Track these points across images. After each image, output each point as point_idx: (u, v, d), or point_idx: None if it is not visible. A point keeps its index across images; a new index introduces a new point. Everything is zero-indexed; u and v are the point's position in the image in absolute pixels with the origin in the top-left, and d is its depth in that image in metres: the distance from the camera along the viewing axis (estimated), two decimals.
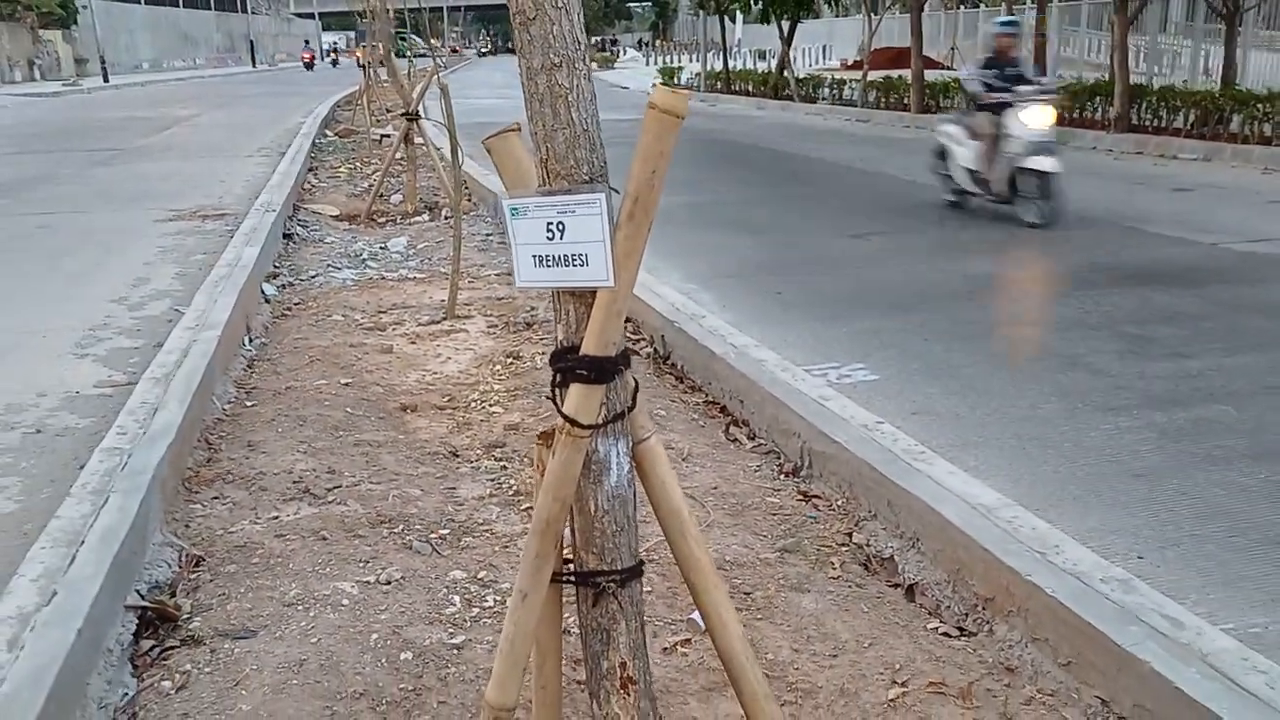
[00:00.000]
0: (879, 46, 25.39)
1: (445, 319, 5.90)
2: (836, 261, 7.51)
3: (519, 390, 4.64)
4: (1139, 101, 14.54)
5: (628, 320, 5.69)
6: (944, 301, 6.26)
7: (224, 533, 3.25)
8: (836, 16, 38.33)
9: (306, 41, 66.14)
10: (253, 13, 72.61)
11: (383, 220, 9.54)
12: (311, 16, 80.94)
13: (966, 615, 2.83)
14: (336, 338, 5.54)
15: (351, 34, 72.25)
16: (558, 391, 1.74)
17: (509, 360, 5.08)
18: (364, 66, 17.25)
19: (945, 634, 2.78)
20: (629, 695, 1.83)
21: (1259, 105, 12.80)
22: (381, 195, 10.09)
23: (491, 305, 6.20)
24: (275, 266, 7.28)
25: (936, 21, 34.06)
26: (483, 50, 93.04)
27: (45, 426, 4.02)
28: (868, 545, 3.26)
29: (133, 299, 5.99)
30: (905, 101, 19.75)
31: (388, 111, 17.44)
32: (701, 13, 31.42)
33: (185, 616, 2.80)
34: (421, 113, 9.67)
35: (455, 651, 2.66)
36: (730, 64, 29.61)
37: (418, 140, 9.87)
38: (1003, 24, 9.50)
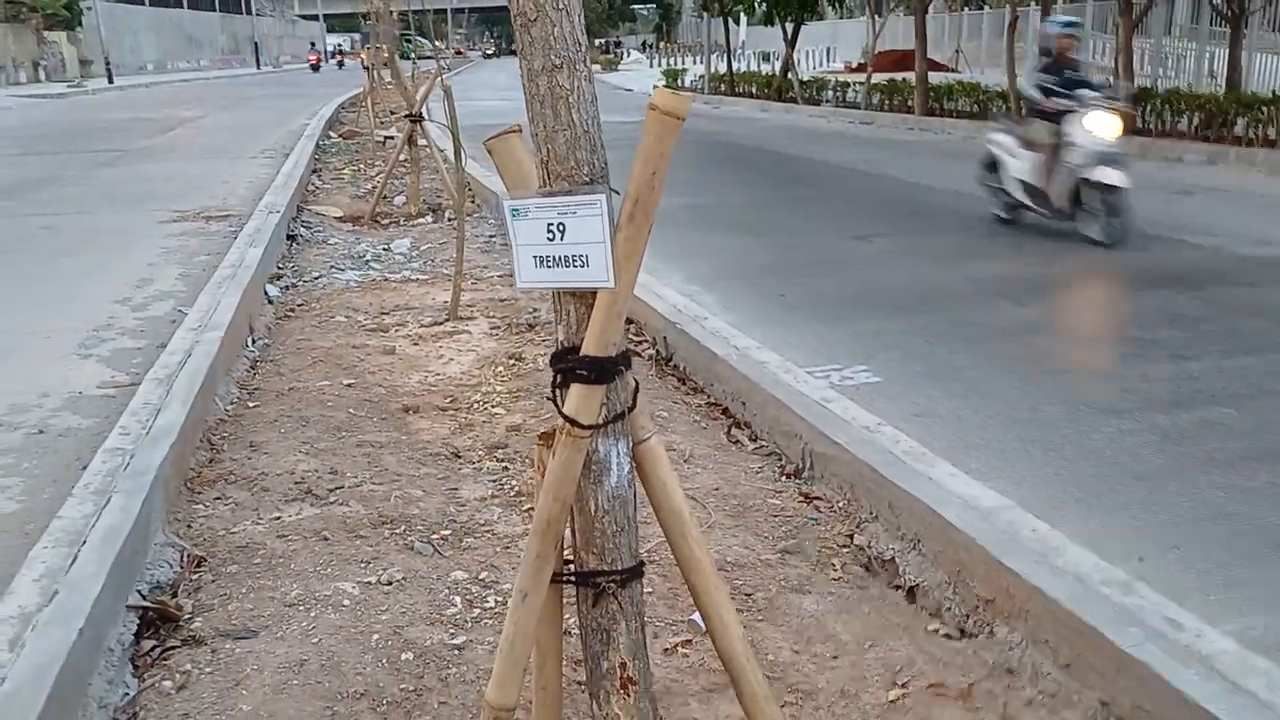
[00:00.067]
0: (883, 49, 25.38)
1: (448, 320, 5.91)
2: (840, 263, 7.51)
3: (521, 391, 4.65)
4: (1143, 104, 14.53)
5: (630, 322, 5.71)
6: (946, 303, 6.26)
7: (226, 533, 3.26)
8: (840, 19, 38.32)
9: (313, 44, 66.38)
10: (257, 15, 72.78)
11: (386, 222, 9.56)
12: (316, 18, 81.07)
13: (967, 617, 2.83)
14: (339, 339, 5.55)
15: (355, 36, 72.35)
16: (558, 392, 1.75)
17: (511, 362, 5.08)
18: (368, 68, 17.29)
19: (946, 635, 2.78)
20: (629, 696, 1.83)
21: (1264, 108, 12.78)
22: (385, 197, 10.11)
23: (494, 307, 6.21)
24: (279, 268, 7.30)
25: (941, 24, 34.08)
26: (488, 52, 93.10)
27: (48, 427, 4.02)
28: (869, 547, 3.26)
29: (136, 300, 6.00)
30: (909, 104, 19.75)
31: (392, 113, 17.48)
32: (705, 15, 31.44)
33: (187, 616, 2.80)
34: (425, 114, 9.68)
35: (456, 652, 2.66)
36: (734, 66, 29.64)
37: (421, 142, 9.89)
38: (1063, 24, 8.62)
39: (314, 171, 12.50)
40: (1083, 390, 4.70)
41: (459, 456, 3.99)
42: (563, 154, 1.64)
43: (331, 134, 17.18)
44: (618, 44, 75.79)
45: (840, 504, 3.52)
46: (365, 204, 10.03)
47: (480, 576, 3.06)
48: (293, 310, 6.27)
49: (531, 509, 1.80)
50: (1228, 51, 15.60)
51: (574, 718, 2.36)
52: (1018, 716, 2.43)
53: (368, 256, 7.90)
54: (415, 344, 5.49)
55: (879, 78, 21.55)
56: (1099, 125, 7.76)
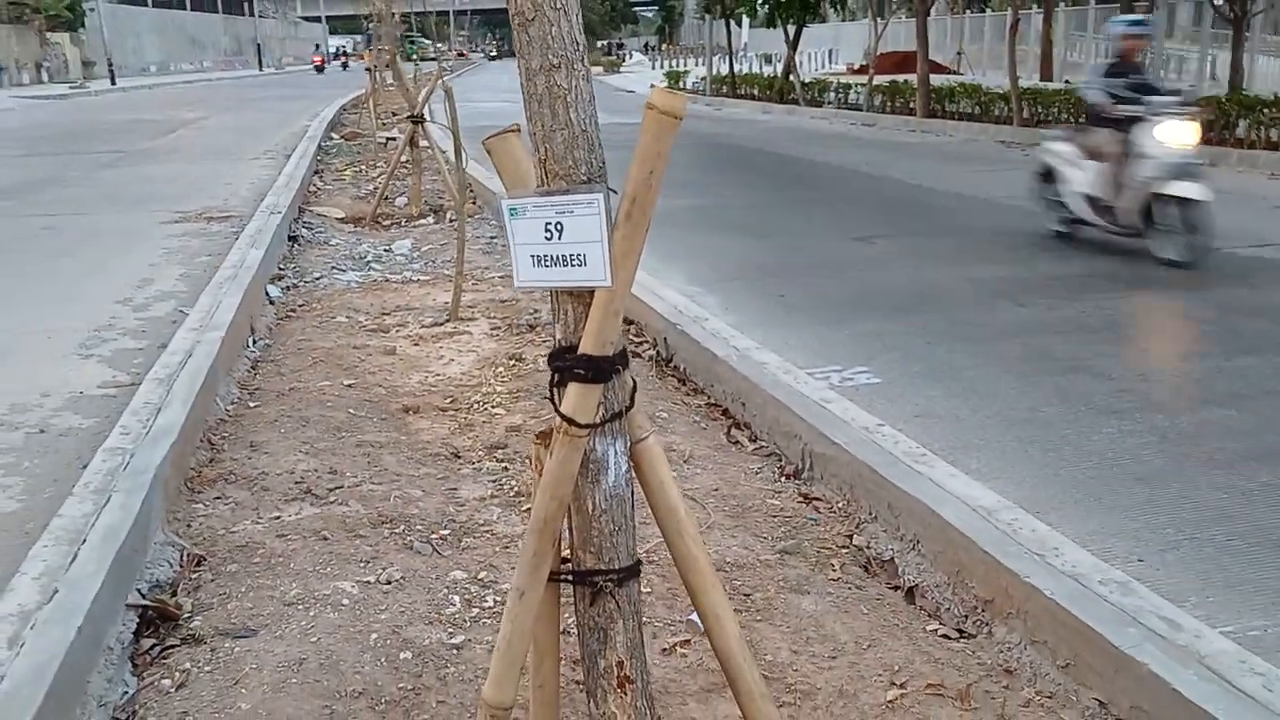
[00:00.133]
0: (885, 51, 25.43)
1: (448, 321, 5.91)
2: (841, 265, 7.52)
3: (521, 392, 4.65)
4: None
5: (631, 322, 5.72)
6: (946, 304, 6.26)
7: (225, 532, 3.26)
8: (842, 21, 38.36)
9: (317, 46, 66.50)
10: (260, 16, 72.86)
11: (387, 223, 9.57)
12: (319, 20, 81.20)
13: (966, 617, 2.83)
14: (340, 339, 5.56)
15: (358, 38, 72.44)
16: (556, 391, 1.75)
17: (511, 362, 5.09)
18: (370, 70, 17.32)
19: (944, 636, 2.78)
20: (625, 694, 1.83)
21: (1265, 110, 12.79)
22: (386, 198, 10.12)
23: (495, 307, 6.21)
24: (280, 268, 7.31)
25: (942, 26, 34.10)
26: (492, 55, 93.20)
27: (49, 426, 4.03)
28: (868, 547, 3.26)
29: (138, 300, 6.01)
30: (911, 106, 19.77)
31: (393, 115, 17.51)
32: (708, 17, 31.48)
33: (186, 615, 2.81)
34: (427, 116, 9.70)
35: (455, 651, 2.66)
36: (736, 68, 29.66)
37: (423, 143, 9.90)
38: (1130, 23, 8.07)
39: (316, 173, 12.51)
40: (1083, 391, 4.70)
41: (459, 457, 3.99)
42: (560, 153, 1.64)
43: (333, 135, 17.19)
44: (620, 46, 75.79)
45: (839, 504, 3.52)
46: (367, 205, 10.04)
47: (479, 576, 3.06)
48: (294, 311, 6.28)
49: (530, 509, 1.80)
50: (1230, 54, 15.59)
51: (571, 717, 2.36)
52: (1015, 717, 2.43)
53: (369, 257, 7.91)
54: (416, 344, 5.50)
55: (881, 80, 21.58)
56: (1173, 134, 7.15)
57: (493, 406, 4.51)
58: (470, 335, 5.65)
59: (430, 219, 9.67)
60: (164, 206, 9.36)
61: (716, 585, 1.89)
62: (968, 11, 36.54)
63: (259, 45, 67.26)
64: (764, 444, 4.12)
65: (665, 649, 2.69)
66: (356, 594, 2.91)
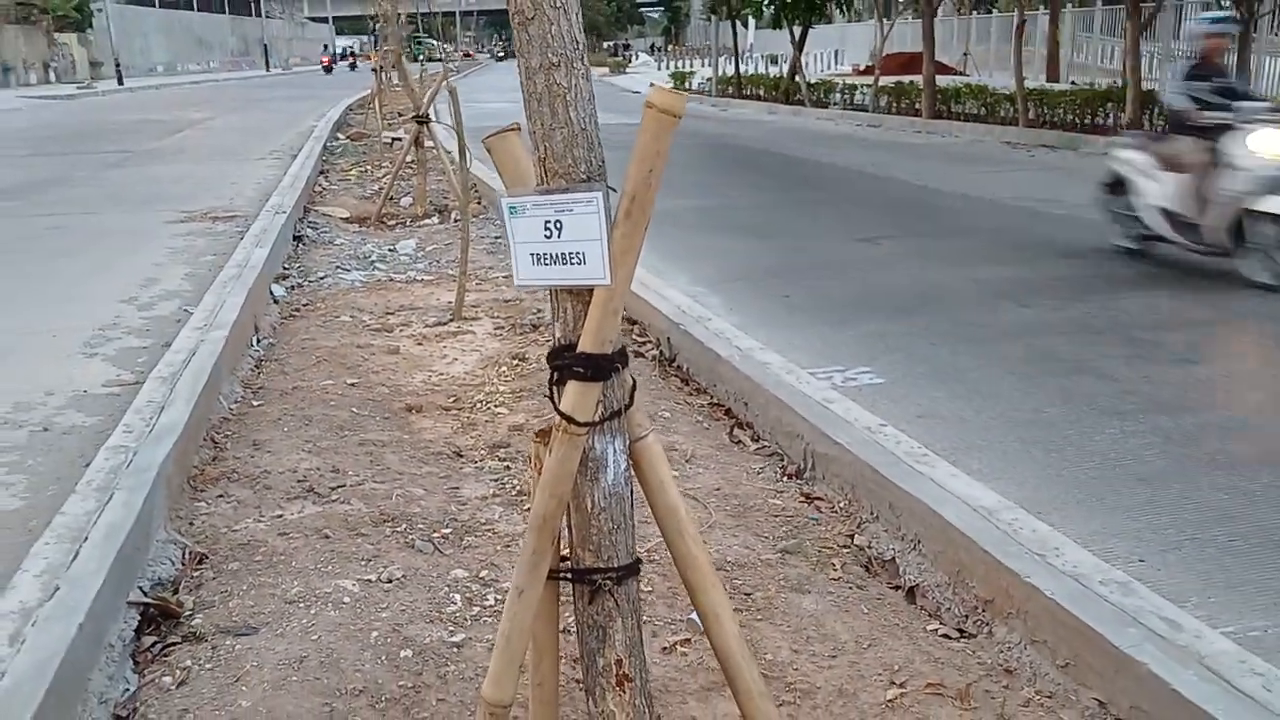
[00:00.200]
0: (891, 52, 25.41)
1: (452, 321, 5.92)
2: (845, 266, 7.51)
3: (524, 392, 4.65)
4: (1151, 107, 14.50)
5: (634, 322, 5.72)
6: (951, 305, 6.26)
7: (228, 530, 3.27)
8: (848, 22, 38.33)
9: (325, 46, 66.60)
10: (267, 17, 72.99)
11: (392, 223, 9.59)
12: (325, 21, 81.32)
13: (966, 617, 2.83)
14: (344, 338, 5.57)
15: (364, 38, 72.51)
16: (555, 389, 1.75)
17: (515, 362, 5.09)
18: (376, 70, 17.35)
19: (945, 635, 2.78)
20: (624, 693, 1.83)
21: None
22: (391, 198, 10.13)
23: (498, 307, 6.22)
24: (284, 268, 7.32)
25: (949, 27, 34.05)
26: (498, 55, 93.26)
27: (52, 424, 4.04)
28: (869, 547, 3.26)
29: (142, 299, 6.02)
30: (917, 107, 19.75)
31: (399, 115, 17.50)
32: (714, 18, 31.48)
33: (187, 613, 2.81)
34: (432, 116, 9.71)
35: (455, 650, 2.67)
36: (742, 69, 29.64)
37: (428, 144, 9.91)
38: (1213, 21, 7.46)
39: (321, 173, 12.54)
40: (1086, 392, 4.69)
41: (461, 455, 4.00)
42: (560, 152, 1.65)
43: (339, 136, 17.23)
44: (626, 47, 75.80)
45: (841, 504, 3.52)
46: (372, 205, 10.06)
47: (480, 575, 3.06)
48: (298, 310, 6.29)
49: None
50: (1236, 54, 15.56)
51: (571, 715, 2.37)
52: (1015, 716, 2.43)
53: (373, 257, 7.92)
54: (419, 344, 5.51)
55: (886, 80, 21.55)
56: (1268, 144, 6.40)
57: (495, 406, 4.51)
58: (474, 335, 5.65)
59: (435, 219, 9.69)
60: (170, 206, 9.38)
61: (716, 584, 1.89)
62: (974, 12, 36.50)
63: (266, 46, 67.36)
64: (766, 444, 4.12)
65: (665, 647, 2.69)
66: (358, 592, 2.92)
